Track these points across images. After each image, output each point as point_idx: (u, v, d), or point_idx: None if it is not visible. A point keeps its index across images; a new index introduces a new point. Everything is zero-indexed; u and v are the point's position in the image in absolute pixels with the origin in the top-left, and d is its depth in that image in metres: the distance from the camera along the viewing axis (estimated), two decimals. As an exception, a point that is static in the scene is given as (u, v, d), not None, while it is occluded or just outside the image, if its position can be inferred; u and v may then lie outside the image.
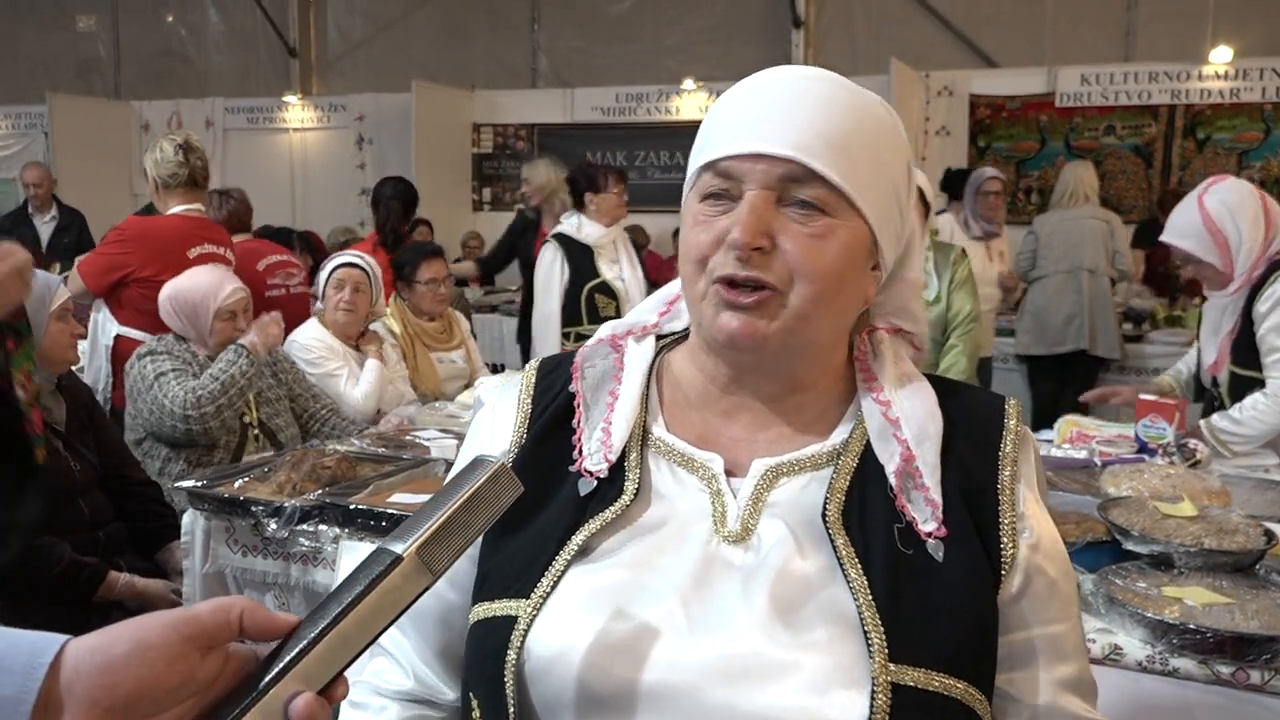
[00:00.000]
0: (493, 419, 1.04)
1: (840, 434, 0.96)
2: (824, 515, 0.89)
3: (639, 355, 1.01)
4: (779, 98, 0.91)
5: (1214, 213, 2.79)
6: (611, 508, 0.92)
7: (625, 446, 0.95)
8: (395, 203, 4.95)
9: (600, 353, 1.03)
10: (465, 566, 0.98)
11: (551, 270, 4.14)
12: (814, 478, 0.93)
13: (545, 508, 0.95)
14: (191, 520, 2.44)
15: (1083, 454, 2.74)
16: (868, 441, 0.93)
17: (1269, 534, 1.86)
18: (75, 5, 10.61)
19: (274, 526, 2.32)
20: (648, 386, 1.00)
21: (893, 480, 0.90)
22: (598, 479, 0.94)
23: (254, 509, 2.34)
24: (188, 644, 0.64)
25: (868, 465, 0.92)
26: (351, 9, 9.92)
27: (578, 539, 0.91)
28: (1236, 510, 2.03)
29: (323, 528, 2.30)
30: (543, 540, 0.92)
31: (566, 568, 0.90)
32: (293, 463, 2.52)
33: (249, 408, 3.04)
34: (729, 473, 0.94)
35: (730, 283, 0.88)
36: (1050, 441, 2.93)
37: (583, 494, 0.94)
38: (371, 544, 2.17)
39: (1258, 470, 2.69)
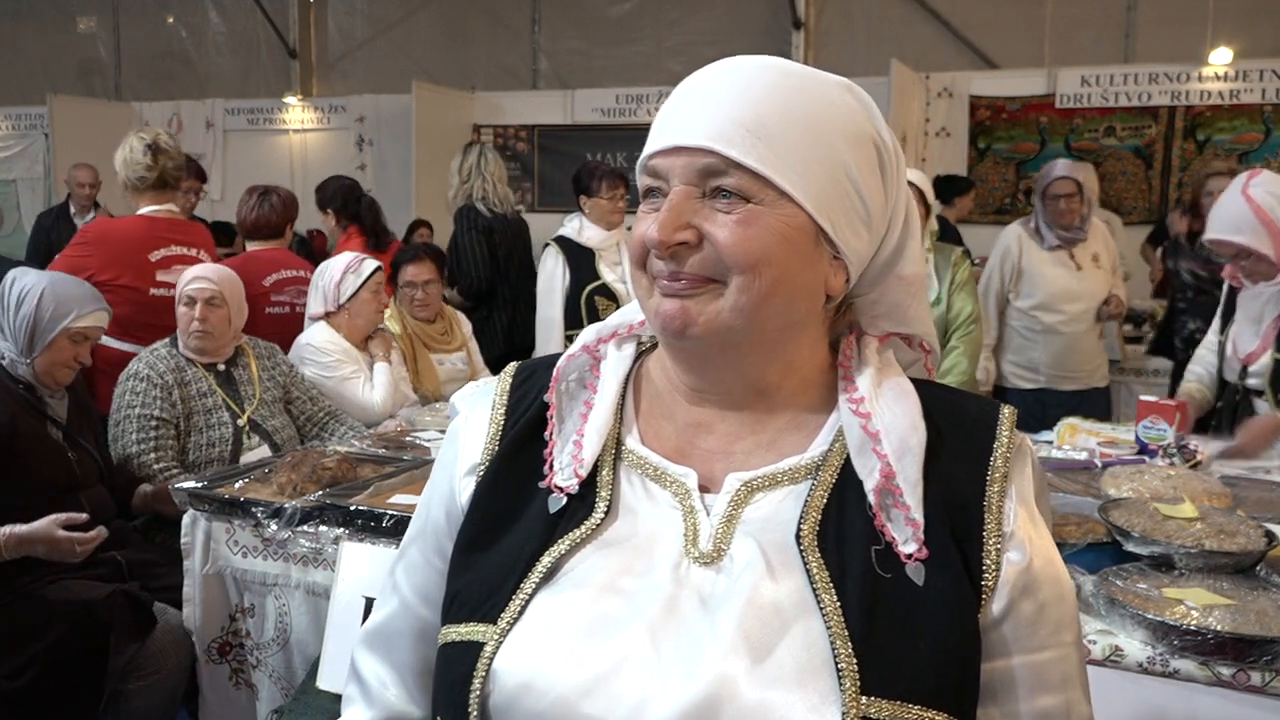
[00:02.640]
0: (466, 429, 1.00)
1: (820, 446, 0.91)
2: (798, 535, 0.85)
3: (617, 362, 0.97)
4: (700, 89, 0.88)
5: (1264, 203, 2.76)
6: (581, 527, 0.89)
7: (598, 460, 0.92)
8: (373, 201, 4.87)
9: (580, 361, 0.98)
10: (436, 581, 0.97)
11: (553, 274, 4.11)
12: (791, 492, 0.89)
13: (515, 524, 0.92)
14: (191, 521, 2.44)
15: (1083, 455, 2.74)
16: (848, 455, 0.88)
17: (1270, 535, 1.86)
18: (76, 7, 10.61)
19: (274, 527, 2.32)
20: (624, 395, 0.97)
21: (871, 498, 0.86)
22: (568, 495, 0.91)
23: (255, 510, 2.34)
24: None
25: (847, 481, 0.88)
26: (352, 10, 9.92)
27: (546, 560, 0.88)
28: (1237, 511, 2.03)
29: (323, 529, 2.30)
30: (511, 560, 0.89)
31: (535, 591, 0.87)
32: (293, 464, 2.52)
33: (240, 409, 3.04)
34: (704, 488, 0.90)
35: (664, 278, 0.87)
36: (1050, 443, 2.93)
37: (553, 511, 0.91)
38: (372, 545, 2.17)
39: (1258, 471, 2.69)
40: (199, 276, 3.09)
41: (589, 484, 0.91)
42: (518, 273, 4.70)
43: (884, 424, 0.88)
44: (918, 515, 0.85)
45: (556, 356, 0.99)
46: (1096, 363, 4.31)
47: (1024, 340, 4.25)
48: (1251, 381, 2.90)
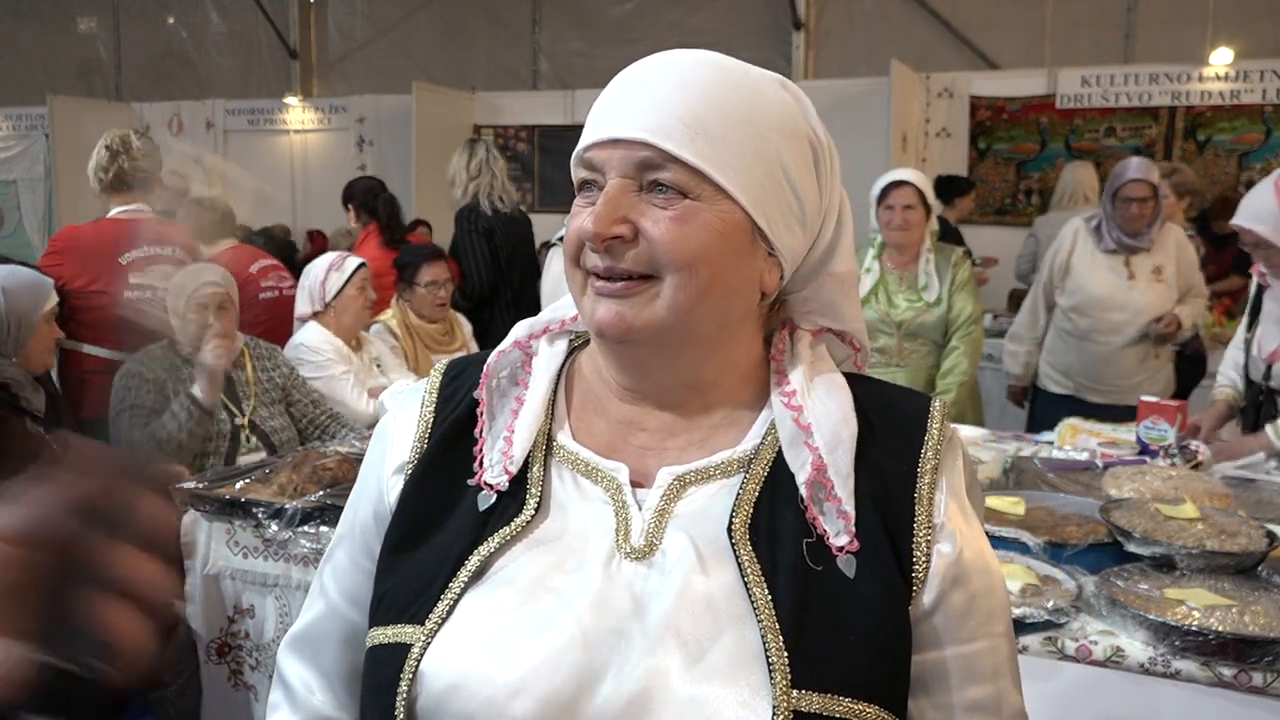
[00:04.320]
0: (394, 427, 0.98)
1: (752, 439, 0.90)
2: (729, 529, 0.85)
3: (548, 358, 0.96)
4: (637, 81, 0.87)
5: None
6: (511, 524, 0.88)
7: (529, 457, 0.91)
8: (392, 197, 4.88)
9: (511, 357, 0.97)
10: (364, 583, 0.95)
11: (559, 277, 4.09)
12: (723, 486, 0.88)
13: (445, 524, 0.90)
14: (192, 522, 2.44)
15: (1084, 455, 2.74)
16: (780, 449, 0.88)
17: (1271, 536, 1.86)
18: (76, 7, 10.61)
19: (275, 528, 2.32)
20: (555, 391, 0.95)
21: (803, 491, 0.85)
22: (498, 492, 0.89)
23: (255, 510, 2.34)
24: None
25: (779, 474, 0.87)
26: (352, 11, 9.92)
27: (474, 559, 0.86)
28: (1238, 512, 2.03)
29: (324, 529, 2.30)
30: (440, 560, 0.88)
31: (464, 591, 0.85)
32: (294, 464, 2.52)
33: (239, 409, 3.03)
34: (636, 483, 0.89)
35: (599, 274, 0.86)
36: (1051, 444, 2.93)
37: (482, 509, 0.89)
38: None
39: (1259, 471, 2.69)
40: (208, 282, 2.96)
41: (519, 481, 0.90)
42: (520, 272, 4.68)
43: (816, 417, 0.87)
44: (849, 508, 0.85)
45: (489, 353, 0.98)
46: (1135, 380, 3.81)
47: (1058, 341, 4.00)
48: (1275, 382, 2.89)
